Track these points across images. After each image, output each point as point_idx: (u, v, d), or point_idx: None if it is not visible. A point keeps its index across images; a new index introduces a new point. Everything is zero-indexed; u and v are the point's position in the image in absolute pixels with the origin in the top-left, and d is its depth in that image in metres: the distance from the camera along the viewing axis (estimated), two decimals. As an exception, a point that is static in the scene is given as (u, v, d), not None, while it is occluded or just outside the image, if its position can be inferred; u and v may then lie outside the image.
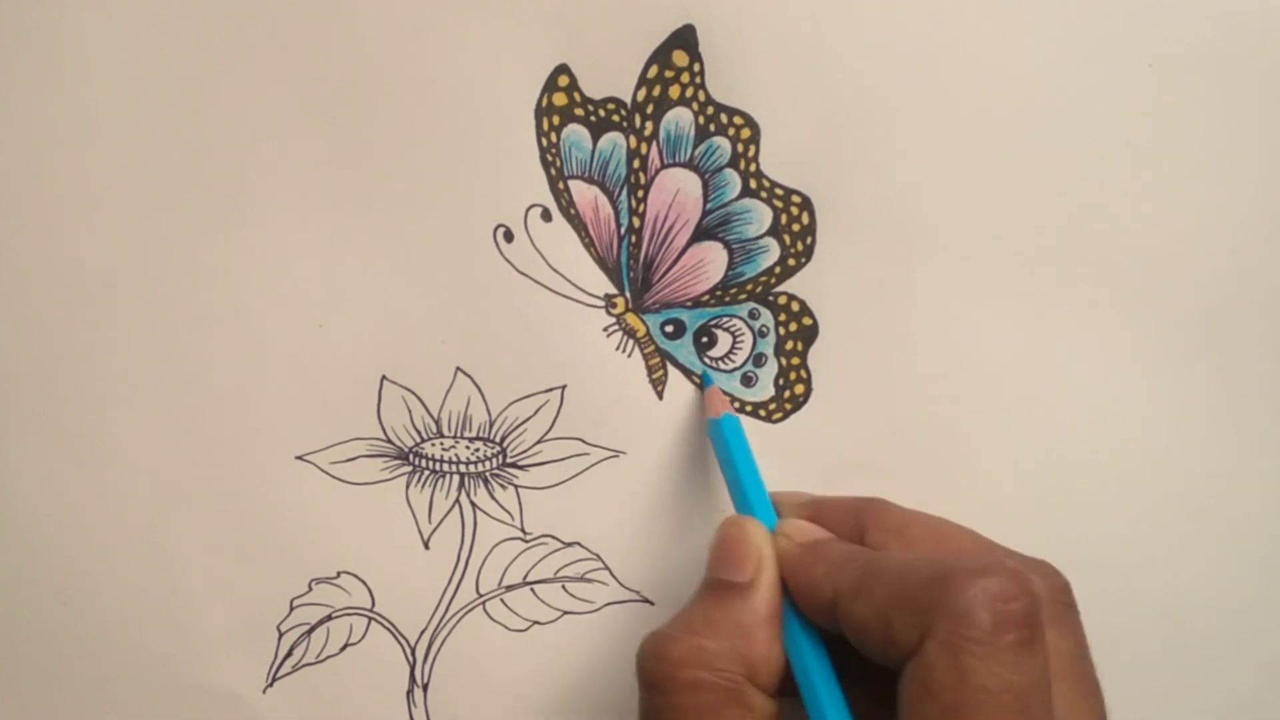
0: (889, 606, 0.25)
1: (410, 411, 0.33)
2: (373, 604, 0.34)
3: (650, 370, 0.33)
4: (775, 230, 0.33)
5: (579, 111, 0.32)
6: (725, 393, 0.34)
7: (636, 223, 0.33)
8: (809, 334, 0.33)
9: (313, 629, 0.34)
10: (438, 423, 0.34)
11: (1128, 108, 0.33)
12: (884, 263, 0.33)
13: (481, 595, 0.34)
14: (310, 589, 0.34)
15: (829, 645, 0.27)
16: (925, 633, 0.24)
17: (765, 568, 0.28)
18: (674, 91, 0.32)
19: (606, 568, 0.34)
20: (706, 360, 0.34)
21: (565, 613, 0.34)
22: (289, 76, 0.32)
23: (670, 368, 0.33)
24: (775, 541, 0.29)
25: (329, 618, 0.34)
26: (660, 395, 0.33)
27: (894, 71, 0.32)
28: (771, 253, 0.33)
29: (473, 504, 0.34)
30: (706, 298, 0.33)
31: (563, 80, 0.32)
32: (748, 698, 0.27)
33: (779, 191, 0.33)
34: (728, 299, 0.33)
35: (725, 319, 0.34)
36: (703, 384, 0.33)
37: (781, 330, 0.33)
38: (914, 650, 0.24)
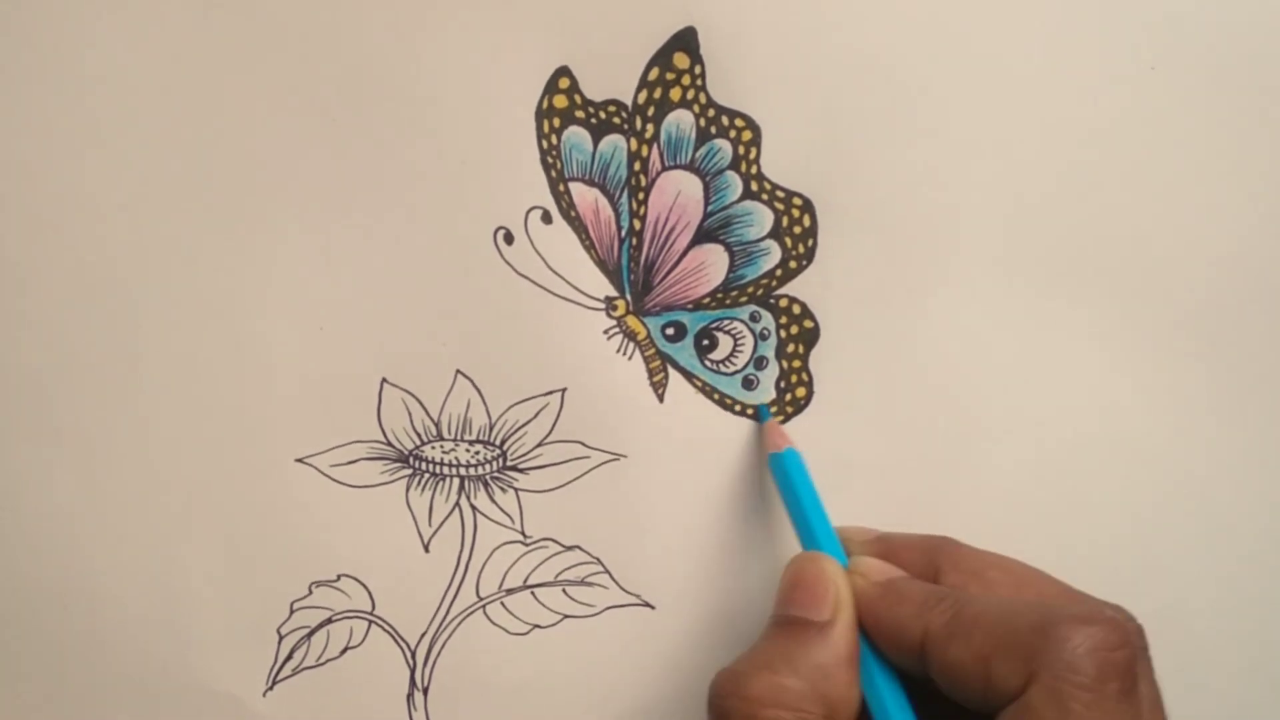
0: (989, 650, 0.25)
1: (410, 414, 0.33)
2: (373, 607, 0.34)
3: (651, 373, 0.33)
4: (776, 233, 0.33)
5: (580, 114, 0.32)
6: (727, 396, 0.33)
7: (637, 225, 0.33)
8: (810, 337, 0.33)
9: (313, 632, 0.34)
10: (438, 425, 0.33)
11: (1129, 109, 0.32)
12: (885, 265, 0.33)
13: (482, 598, 0.34)
14: (310, 592, 0.34)
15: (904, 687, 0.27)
16: (1030, 679, 0.24)
17: (844, 607, 0.28)
18: (675, 94, 0.32)
19: (607, 571, 0.34)
20: (707, 363, 0.34)
21: (565, 616, 0.34)
22: (289, 78, 0.32)
23: (671, 370, 0.33)
24: (851, 580, 0.28)
25: (329, 621, 0.34)
26: (661, 398, 0.33)
27: (895, 74, 0.32)
28: (772, 255, 0.33)
29: (473, 507, 0.34)
30: (707, 300, 0.33)
31: (563, 82, 0.32)
32: None
33: (780, 194, 0.33)
34: (729, 301, 0.33)
35: (726, 322, 0.33)
36: (759, 417, 0.33)
37: (783, 333, 0.33)
38: (1014, 695, 0.24)
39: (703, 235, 0.33)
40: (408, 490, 0.34)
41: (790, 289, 0.33)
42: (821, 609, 0.28)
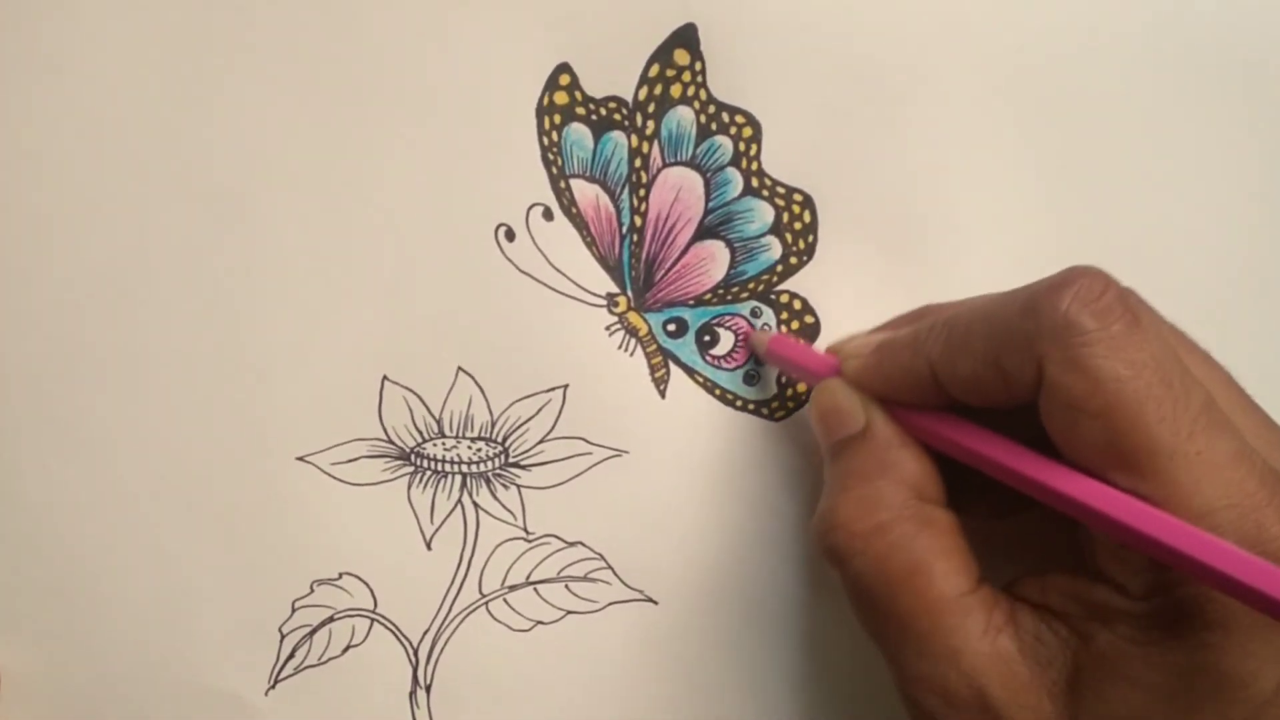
0: (994, 353, 0.25)
1: (411, 411, 0.33)
2: (375, 605, 0.34)
3: (653, 369, 0.33)
4: (777, 229, 0.33)
5: (580, 110, 0.32)
6: (729, 392, 0.34)
7: (638, 221, 0.33)
8: (811, 332, 0.33)
9: (315, 630, 0.34)
10: (439, 423, 0.33)
11: (1129, 104, 0.33)
12: (885, 261, 0.33)
13: (484, 595, 0.34)
14: (312, 590, 0.34)
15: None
16: (1040, 360, 0.24)
17: (867, 403, 0.28)
18: (675, 90, 0.32)
19: (609, 567, 0.34)
20: (709, 359, 0.34)
21: (569, 612, 0.34)
22: (289, 75, 0.32)
23: (672, 366, 0.33)
24: (847, 366, 0.29)
25: (331, 619, 0.34)
26: (663, 394, 0.33)
27: (896, 69, 0.32)
28: (773, 251, 0.33)
29: (475, 504, 0.34)
30: (709, 296, 0.33)
31: (564, 79, 0.32)
32: (930, 515, 0.27)
33: (781, 190, 0.33)
34: (730, 297, 0.33)
35: (728, 317, 0.34)
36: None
37: (784, 329, 0.33)
38: (1034, 382, 0.24)
39: (703, 231, 0.33)
40: (409, 488, 0.34)
41: (791, 284, 0.33)
42: (853, 420, 0.28)
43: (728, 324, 0.34)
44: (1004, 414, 0.26)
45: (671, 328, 0.33)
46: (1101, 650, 0.25)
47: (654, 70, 0.32)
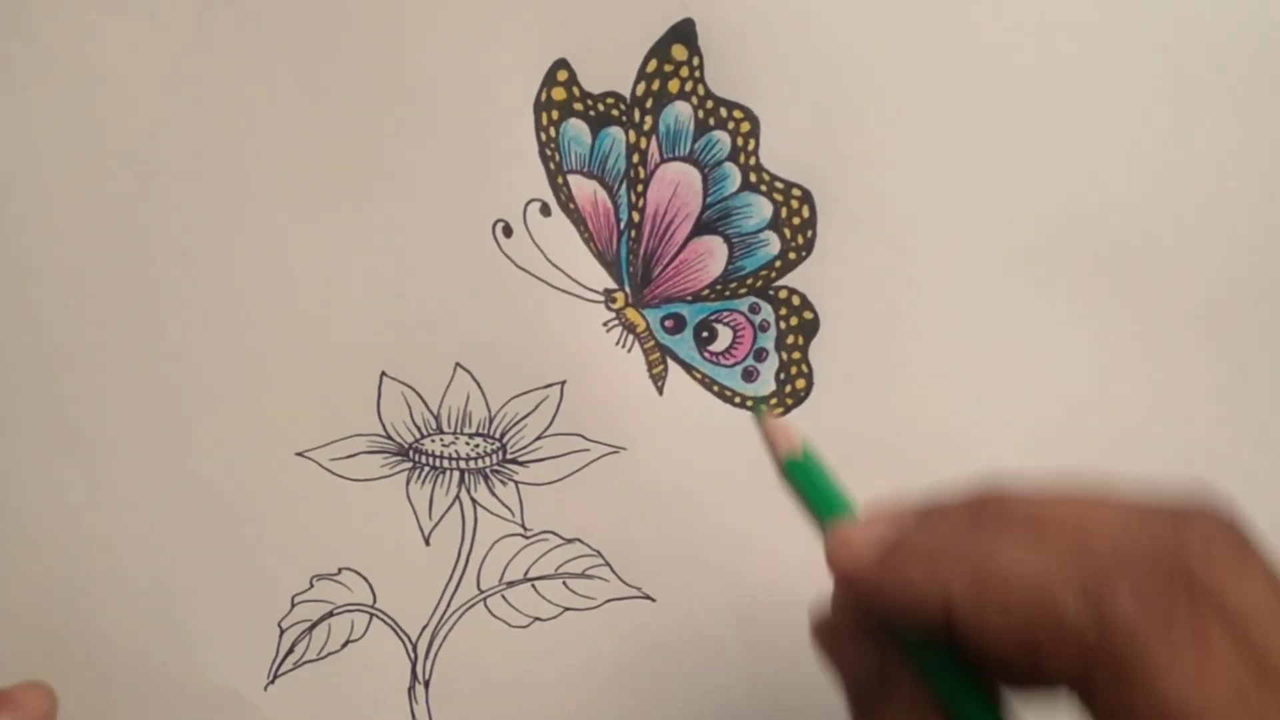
0: (1032, 630, 0.20)
1: (410, 408, 0.33)
2: (374, 600, 0.34)
3: (650, 365, 0.33)
4: (775, 224, 0.33)
5: (578, 106, 0.32)
6: (727, 388, 0.33)
7: (636, 217, 0.33)
8: (810, 328, 0.33)
9: (314, 626, 0.34)
10: (437, 419, 0.33)
11: (1130, 101, 0.32)
12: (885, 256, 0.33)
13: (482, 591, 0.34)
14: (311, 586, 0.34)
15: None
16: (1088, 661, 0.19)
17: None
18: (673, 86, 0.32)
19: (607, 564, 0.34)
20: (707, 355, 0.33)
21: (566, 609, 0.34)
22: (288, 73, 0.32)
23: (670, 363, 0.33)
24: (840, 561, 0.23)
25: (330, 614, 0.34)
26: (660, 390, 0.33)
27: (894, 64, 0.32)
28: (772, 246, 0.33)
29: (473, 500, 0.34)
30: (707, 292, 0.33)
31: (562, 75, 0.32)
32: None
33: (779, 185, 0.33)
34: (728, 293, 0.33)
35: (726, 313, 0.33)
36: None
37: (782, 324, 0.33)
38: (1079, 679, 0.19)
39: (702, 227, 0.33)
40: (408, 484, 0.34)
41: (789, 280, 0.33)
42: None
43: (726, 320, 0.33)
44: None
45: (669, 324, 0.33)
46: None
47: (652, 66, 0.32)
